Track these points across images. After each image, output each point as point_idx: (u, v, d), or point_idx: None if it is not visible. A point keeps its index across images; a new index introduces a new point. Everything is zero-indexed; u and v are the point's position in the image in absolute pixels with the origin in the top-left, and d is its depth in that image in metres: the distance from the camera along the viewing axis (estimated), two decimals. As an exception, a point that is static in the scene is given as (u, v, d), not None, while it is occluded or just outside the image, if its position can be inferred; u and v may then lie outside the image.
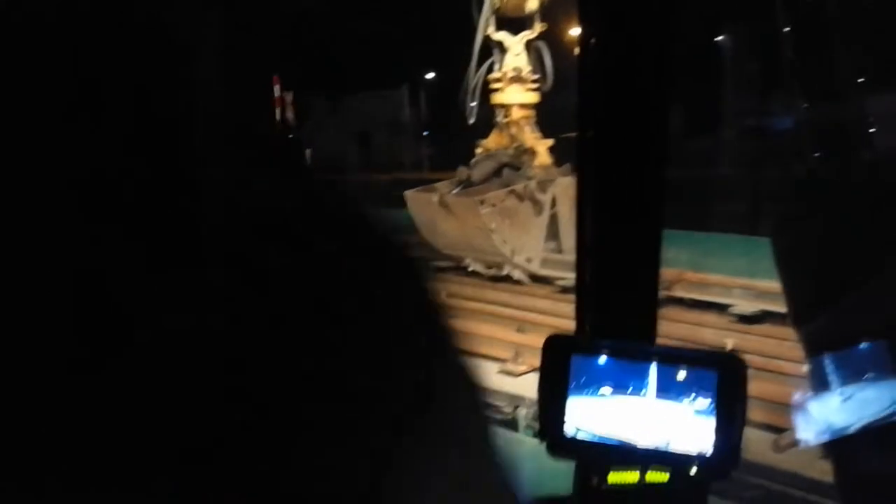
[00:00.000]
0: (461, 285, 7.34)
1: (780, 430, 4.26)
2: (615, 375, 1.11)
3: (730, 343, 5.32)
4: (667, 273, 6.14)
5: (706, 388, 1.08)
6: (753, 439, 4.49)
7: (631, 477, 1.15)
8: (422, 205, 7.16)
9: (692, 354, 1.10)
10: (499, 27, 7.41)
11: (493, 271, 7.30)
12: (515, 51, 7.44)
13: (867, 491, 1.18)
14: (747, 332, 5.52)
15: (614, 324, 1.23)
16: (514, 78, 7.51)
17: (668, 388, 1.09)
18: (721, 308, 5.86)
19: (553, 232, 7.21)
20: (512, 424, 4.64)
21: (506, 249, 7.01)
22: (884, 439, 1.16)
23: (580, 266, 1.23)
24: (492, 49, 7.48)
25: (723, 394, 1.06)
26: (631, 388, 1.10)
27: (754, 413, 4.58)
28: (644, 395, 1.10)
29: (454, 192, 7.20)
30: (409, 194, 7.28)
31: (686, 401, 1.08)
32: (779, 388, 4.45)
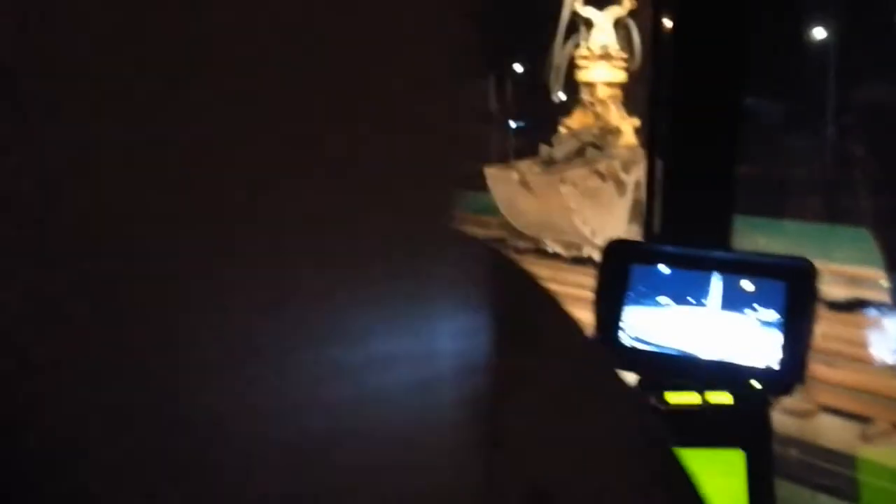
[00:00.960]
0: (539, 266, 7.28)
1: (867, 419, 4.09)
2: (676, 285, 1.06)
3: (819, 331, 5.11)
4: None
5: (774, 299, 1.01)
6: (840, 428, 4.32)
7: (692, 398, 1.10)
8: (502, 182, 7.11)
9: (759, 263, 1.04)
10: (586, 2, 7.29)
11: (572, 252, 7.20)
12: (603, 27, 7.30)
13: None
14: (837, 320, 5.30)
15: (684, 232, 1.19)
16: (602, 55, 7.37)
17: (732, 300, 1.03)
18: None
19: (637, 213, 7.07)
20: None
21: (586, 230, 6.90)
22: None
23: (650, 167, 1.19)
24: (578, 26, 7.36)
25: (792, 305, 1.00)
26: (693, 299, 1.05)
27: (842, 401, 4.43)
28: (706, 305, 1.04)
29: (535, 170, 7.13)
30: (490, 171, 7.24)
31: (751, 313, 1.02)
32: (868, 378, 4.27)
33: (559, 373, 0.35)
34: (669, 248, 1.09)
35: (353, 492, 0.20)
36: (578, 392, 0.36)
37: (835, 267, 5.74)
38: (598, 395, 0.37)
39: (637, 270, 1.07)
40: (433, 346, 0.21)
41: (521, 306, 0.37)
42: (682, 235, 1.20)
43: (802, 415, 4.10)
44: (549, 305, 0.38)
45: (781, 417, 4.03)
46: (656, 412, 1.09)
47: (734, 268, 1.04)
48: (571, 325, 0.38)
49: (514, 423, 0.32)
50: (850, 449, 3.89)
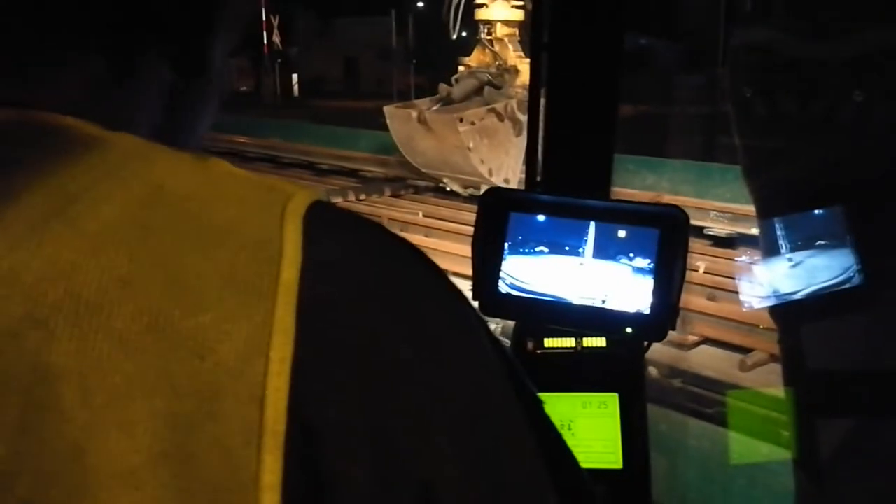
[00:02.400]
0: (438, 206, 7.29)
1: (747, 350, 4.31)
2: (554, 233, 1.07)
3: (702, 267, 5.33)
4: (643, 196, 6.12)
5: (646, 246, 1.03)
6: (721, 359, 4.53)
7: (567, 342, 1.12)
8: (401, 121, 7.04)
9: (633, 211, 1.05)
10: (485, -61, 7.21)
11: (470, 192, 7.24)
12: (501, -35, 7.25)
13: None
14: (719, 254, 5.53)
15: (565, 181, 1.19)
16: (500, -7, 7.33)
17: (606, 248, 1.05)
18: (696, 230, 5.85)
19: (533, 153, 7.12)
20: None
21: (483, 169, 6.93)
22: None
23: (533, 116, 1.18)
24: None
25: (663, 252, 1.02)
26: (569, 247, 1.06)
27: (723, 333, 4.63)
28: (583, 253, 1.05)
29: (433, 108, 7.08)
30: (389, 109, 7.16)
31: (624, 260, 1.04)
32: (748, 311, 4.47)
33: (438, 368, 0.37)
34: (547, 197, 1.09)
35: None
36: (458, 390, 0.37)
37: (718, 204, 5.97)
38: (481, 392, 0.38)
39: (515, 219, 1.07)
40: None
41: (407, 296, 0.38)
42: (563, 183, 1.20)
43: (686, 346, 4.29)
44: (435, 293, 0.40)
45: (666, 349, 4.21)
46: (534, 357, 1.11)
47: (609, 216, 1.05)
48: (455, 311, 0.40)
49: (398, 424, 0.34)
50: (728, 378, 4.10)
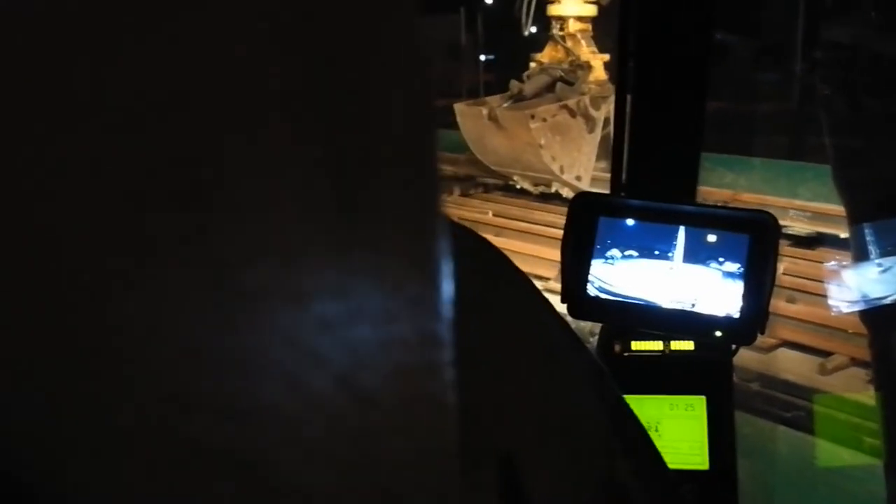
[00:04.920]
0: (507, 205, 7.30)
1: (827, 353, 4.22)
2: (643, 238, 1.08)
3: (781, 267, 5.22)
4: (721, 194, 6.02)
5: (737, 251, 1.04)
6: (800, 362, 4.43)
7: (655, 345, 1.14)
8: (471, 118, 7.06)
9: (723, 216, 1.06)
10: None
11: (541, 189, 7.22)
12: (573, -39, 7.22)
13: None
14: (799, 255, 5.40)
15: (650, 185, 1.21)
16: (572, -11, 7.30)
17: (696, 252, 1.06)
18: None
19: (606, 150, 7.08)
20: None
21: (555, 166, 6.91)
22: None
23: (618, 122, 1.20)
24: (549, -42, 7.27)
25: (754, 257, 1.03)
26: (658, 252, 1.07)
27: (802, 336, 4.53)
28: (672, 257, 1.07)
29: (505, 105, 7.09)
30: (459, 107, 7.19)
31: (714, 264, 1.05)
32: (827, 312, 4.37)
33: (519, 344, 0.38)
34: (636, 202, 1.11)
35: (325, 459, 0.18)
36: (537, 363, 0.38)
37: (798, 203, 5.83)
38: (556, 365, 0.40)
39: (604, 223, 1.09)
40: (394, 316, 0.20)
41: (479, 278, 0.39)
42: (649, 187, 1.21)
43: (764, 350, 4.22)
44: (508, 276, 0.41)
45: (745, 352, 4.14)
46: (621, 360, 1.13)
47: (699, 221, 1.06)
48: (529, 292, 0.41)
49: (478, 394, 0.34)
50: (807, 381, 4.02)
